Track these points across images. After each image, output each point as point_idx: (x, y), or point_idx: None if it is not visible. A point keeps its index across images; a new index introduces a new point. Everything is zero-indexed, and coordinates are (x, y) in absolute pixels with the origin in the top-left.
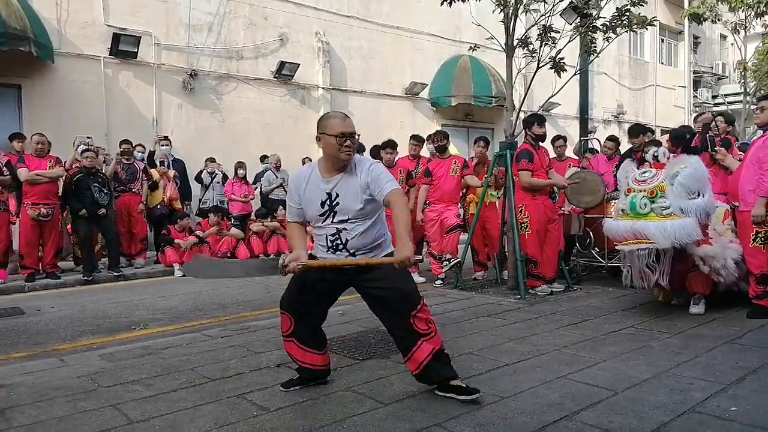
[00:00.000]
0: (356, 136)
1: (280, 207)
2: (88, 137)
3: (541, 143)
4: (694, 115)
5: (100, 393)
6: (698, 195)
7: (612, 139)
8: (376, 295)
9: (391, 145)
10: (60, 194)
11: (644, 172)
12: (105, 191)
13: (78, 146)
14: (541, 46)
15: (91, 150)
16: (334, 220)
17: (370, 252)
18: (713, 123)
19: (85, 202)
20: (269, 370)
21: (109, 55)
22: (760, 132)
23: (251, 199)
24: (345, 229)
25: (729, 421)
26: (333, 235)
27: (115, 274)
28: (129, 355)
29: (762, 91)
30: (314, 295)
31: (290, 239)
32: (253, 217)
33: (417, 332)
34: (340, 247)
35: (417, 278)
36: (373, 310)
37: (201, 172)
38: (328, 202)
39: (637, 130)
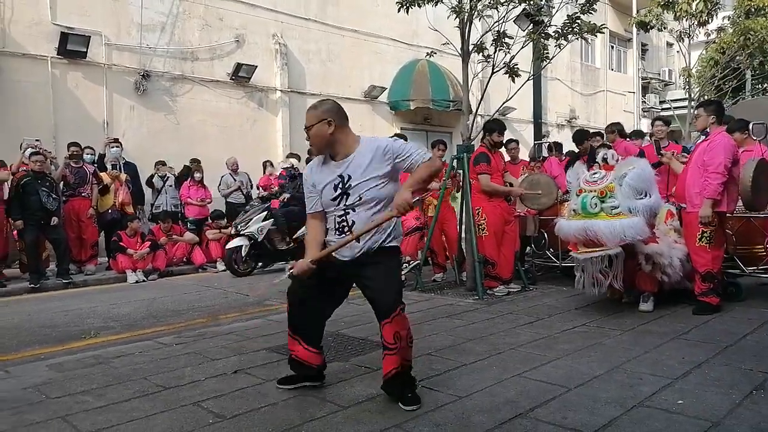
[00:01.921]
0: (307, 129)
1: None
2: (37, 140)
3: (497, 149)
4: (606, 125)
5: (48, 404)
6: (645, 195)
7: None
8: (366, 294)
9: None
10: (5, 199)
11: (594, 174)
12: (54, 196)
13: (25, 149)
14: (495, 51)
15: (40, 153)
16: (346, 203)
17: (374, 236)
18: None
19: (33, 207)
20: (226, 376)
21: (57, 54)
22: (703, 136)
23: (209, 203)
24: (353, 211)
25: (675, 414)
26: (340, 216)
27: (64, 281)
28: (78, 365)
29: (705, 97)
30: (319, 288)
31: (306, 241)
32: (209, 221)
33: (383, 343)
34: (345, 229)
35: None
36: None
37: (152, 176)
38: (341, 185)
39: (582, 137)
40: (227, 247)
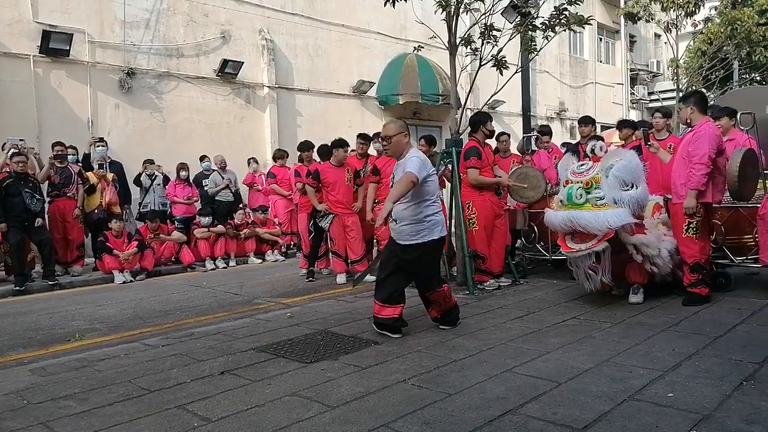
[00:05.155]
0: (386, 139)
1: (242, 211)
2: (21, 139)
3: (487, 140)
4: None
5: (29, 410)
6: (632, 187)
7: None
8: None
9: (342, 144)
10: None
11: (582, 165)
12: (37, 197)
13: (9, 150)
14: (483, 44)
15: (22, 154)
16: None
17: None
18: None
19: (16, 209)
20: (212, 378)
21: (39, 53)
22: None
23: (195, 201)
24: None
25: (666, 407)
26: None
27: (50, 283)
28: (62, 369)
29: (693, 87)
30: None
31: None
32: (197, 218)
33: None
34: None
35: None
36: None
37: (140, 174)
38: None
39: (588, 121)
40: None
